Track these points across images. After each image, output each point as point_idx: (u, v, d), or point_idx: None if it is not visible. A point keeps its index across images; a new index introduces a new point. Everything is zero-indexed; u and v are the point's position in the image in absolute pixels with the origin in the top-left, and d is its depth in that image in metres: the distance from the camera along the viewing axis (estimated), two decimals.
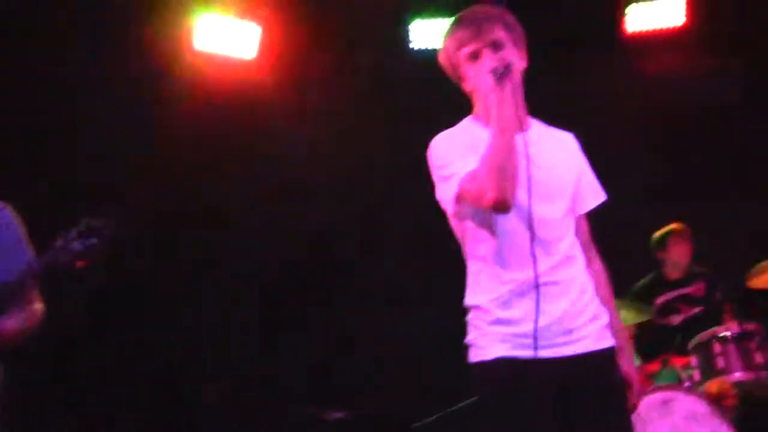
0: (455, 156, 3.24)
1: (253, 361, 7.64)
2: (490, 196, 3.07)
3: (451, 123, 3.37)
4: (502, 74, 3.12)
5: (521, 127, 3.19)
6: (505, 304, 3.19)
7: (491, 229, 3.23)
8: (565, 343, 3.17)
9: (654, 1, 7.61)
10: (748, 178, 7.63)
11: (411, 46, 7.78)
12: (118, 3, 6.99)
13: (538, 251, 3.16)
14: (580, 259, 3.30)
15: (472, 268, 3.32)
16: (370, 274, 7.73)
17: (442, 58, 3.41)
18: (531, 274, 3.14)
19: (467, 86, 3.35)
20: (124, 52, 7.03)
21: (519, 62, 3.29)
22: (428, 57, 7.62)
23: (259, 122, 7.56)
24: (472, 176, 3.15)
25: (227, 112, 7.41)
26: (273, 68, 7.55)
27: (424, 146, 3.29)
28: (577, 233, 3.35)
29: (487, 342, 3.21)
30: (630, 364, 3.38)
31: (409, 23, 7.75)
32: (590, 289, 3.29)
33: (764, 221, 7.30)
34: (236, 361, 7.67)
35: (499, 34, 3.27)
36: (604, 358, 3.25)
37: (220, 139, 7.48)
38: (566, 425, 3.14)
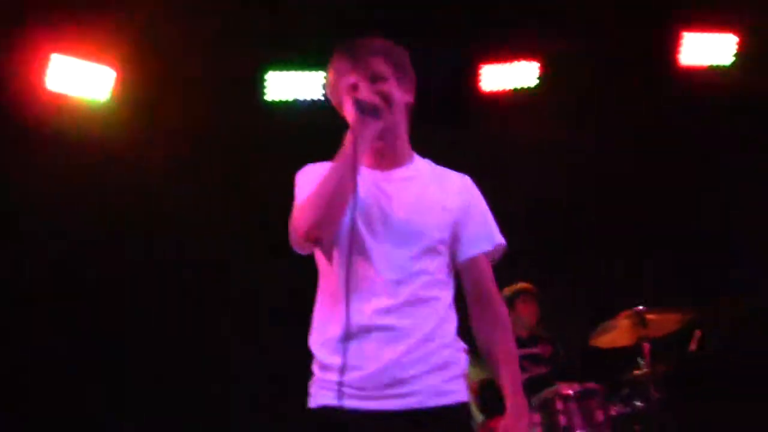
0: (305, 188, 3.09)
1: None
2: (301, 228, 2.96)
3: None
4: (365, 109, 2.99)
5: (393, 163, 3.12)
6: (333, 348, 2.97)
7: (331, 264, 3.05)
8: (395, 396, 2.92)
9: (508, 64, 7.80)
10: (592, 241, 7.86)
11: (266, 97, 7.77)
12: None
13: (376, 292, 2.95)
14: (439, 305, 3.03)
15: (317, 301, 3.15)
16: None
17: (326, 89, 3.28)
18: (362, 314, 2.92)
19: (347, 118, 3.12)
20: None
21: (401, 97, 3.15)
22: (284, 108, 7.80)
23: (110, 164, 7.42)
24: (298, 207, 3.06)
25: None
26: (126, 112, 7.44)
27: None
28: (467, 279, 3.15)
29: (315, 389, 3.04)
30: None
31: (264, 74, 7.74)
32: (443, 338, 3.01)
33: (607, 283, 7.53)
34: None
35: (380, 67, 3.13)
36: (442, 416, 2.95)
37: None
38: None
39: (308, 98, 7.73)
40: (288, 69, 7.72)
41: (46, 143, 7.17)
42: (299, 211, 2.99)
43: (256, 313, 7.77)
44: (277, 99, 7.78)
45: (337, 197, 2.92)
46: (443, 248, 3.09)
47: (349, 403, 2.91)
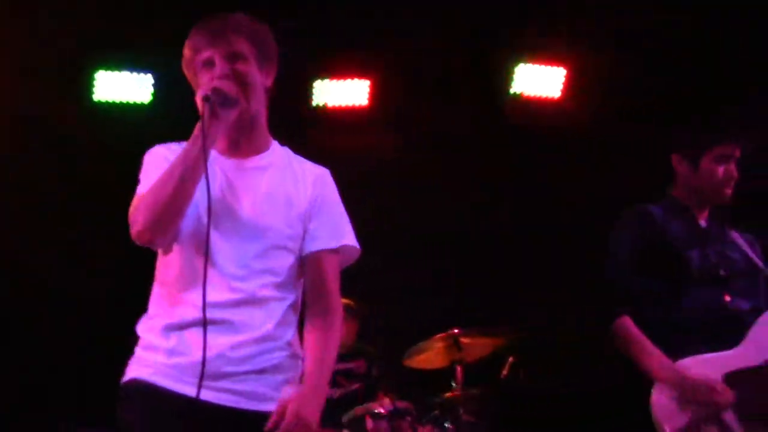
0: (150, 174, 2.92)
1: None
2: (133, 228, 2.82)
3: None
4: (213, 103, 2.81)
5: (248, 152, 3.00)
6: (161, 334, 2.87)
7: (172, 254, 2.93)
8: (214, 389, 2.78)
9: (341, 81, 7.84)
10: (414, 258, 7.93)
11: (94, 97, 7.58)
12: None
13: (216, 286, 2.81)
14: (279, 306, 2.92)
15: (153, 291, 3.02)
16: None
17: (183, 64, 3.06)
18: (195, 306, 2.78)
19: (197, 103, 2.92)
20: None
21: (261, 80, 3.00)
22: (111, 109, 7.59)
23: None
24: (135, 203, 2.89)
25: None
26: None
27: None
28: (307, 275, 3.02)
29: (133, 366, 2.91)
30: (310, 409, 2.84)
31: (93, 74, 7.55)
32: (278, 341, 2.90)
33: (427, 303, 7.60)
34: None
35: (241, 46, 2.95)
36: (257, 422, 2.79)
37: None
38: None
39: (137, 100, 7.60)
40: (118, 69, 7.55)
41: None
42: (134, 209, 2.84)
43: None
44: (105, 99, 7.61)
45: (175, 201, 2.79)
46: (293, 245, 2.97)
47: (164, 383, 2.82)
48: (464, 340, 6.01)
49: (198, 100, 2.84)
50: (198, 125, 2.80)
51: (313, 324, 2.99)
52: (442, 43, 7.39)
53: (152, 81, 7.57)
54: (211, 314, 2.77)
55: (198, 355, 2.74)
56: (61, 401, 7.44)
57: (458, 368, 6.02)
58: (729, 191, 4.29)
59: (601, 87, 7.59)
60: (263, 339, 2.86)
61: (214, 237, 2.84)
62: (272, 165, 3.05)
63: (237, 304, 2.83)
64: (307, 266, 3.01)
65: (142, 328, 2.95)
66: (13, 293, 7.43)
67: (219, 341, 2.79)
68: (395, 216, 7.84)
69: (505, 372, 6.18)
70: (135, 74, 7.57)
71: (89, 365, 7.18)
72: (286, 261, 2.95)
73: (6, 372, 7.24)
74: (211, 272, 2.81)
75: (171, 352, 2.83)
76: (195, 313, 2.79)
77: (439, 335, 6.04)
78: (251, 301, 2.86)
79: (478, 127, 7.80)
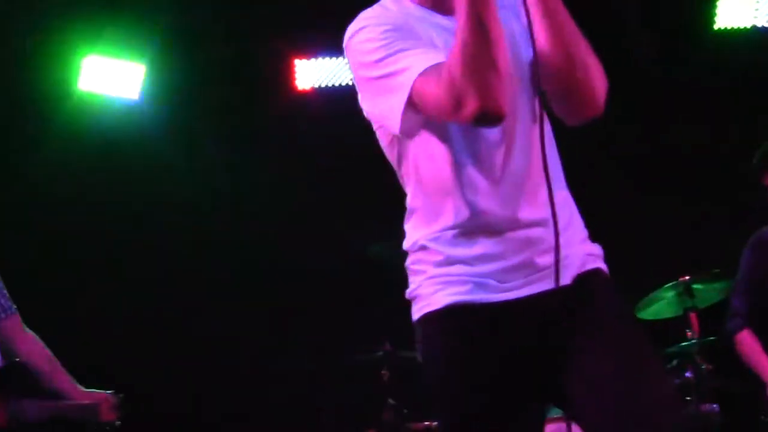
0: (400, 44, 2.41)
1: None
2: (472, 104, 2.25)
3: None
4: None
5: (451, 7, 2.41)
6: (466, 238, 2.50)
7: (458, 146, 2.49)
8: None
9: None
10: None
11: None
12: None
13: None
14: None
15: (416, 202, 2.61)
16: None
17: None
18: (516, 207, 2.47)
19: None
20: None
21: None
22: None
23: None
24: (438, 73, 2.31)
25: None
26: None
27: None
28: None
29: (432, 287, 2.54)
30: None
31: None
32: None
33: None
34: None
35: None
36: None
37: None
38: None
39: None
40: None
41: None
42: (455, 80, 2.25)
43: None
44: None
45: (502, 55, 2.29)
46: None
47: (493, 297, 2.48)
48: (696, 286, 5.92)
49: None
50: None
51: None
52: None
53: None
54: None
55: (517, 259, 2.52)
56: None
57: (692, 316, 5.94)
58: None
59: None
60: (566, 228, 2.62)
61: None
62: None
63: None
64: None
65: (424, 238, 2.60)
66: None
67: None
68: None
69: None
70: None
71: None
72: None
73: None
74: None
75: (482, 260, 2.53)
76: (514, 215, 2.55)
77: (669, 284, 5.97)
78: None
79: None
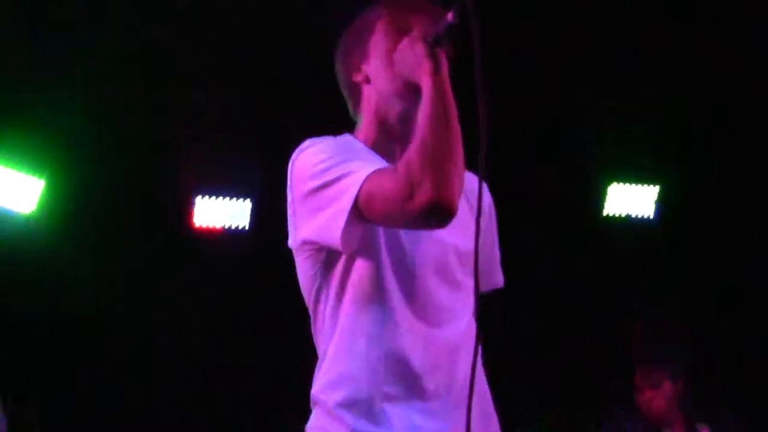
0: (349, 156, 2.34)
1: None
2: (425, 193, 2.15)
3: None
4: (440, 38, 2.28)
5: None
6: (389, 394, 2.33)
7: (396, 265, 2.36)
8: None
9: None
10: None
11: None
12: None
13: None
14: None
15: (338, 336, 2.40)
16: None
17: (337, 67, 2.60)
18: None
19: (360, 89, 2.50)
20: None
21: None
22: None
23: None
24: (391, 170, 2.25)
25: None
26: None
27: None
28: None
29: None
30: None
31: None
32: None
33: None
34: None
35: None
36: None
37: None
38: None
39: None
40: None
41: None
42: (412, 171, 2.17)
43: None
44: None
45: (457, 146, 2.23)
46: None
47: None
48: None
49: (417, 42, 2.32)
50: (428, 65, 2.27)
51: None
52: None
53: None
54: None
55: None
56: None
57: None
58: None
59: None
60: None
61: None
62: None
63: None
64: None
65: (338, 393, 2.40)
66: None
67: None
68: None
69: None
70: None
71: None
72: None
73: None
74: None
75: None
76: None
77: None
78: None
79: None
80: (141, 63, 6.46)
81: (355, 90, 2.52)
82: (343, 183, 2.27)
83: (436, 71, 2.23)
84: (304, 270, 2.47)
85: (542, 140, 7.26)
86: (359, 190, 2.23)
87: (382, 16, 2.48)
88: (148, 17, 6.09)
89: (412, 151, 2.20)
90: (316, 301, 2.45)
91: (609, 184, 7.60)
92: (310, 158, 2.36)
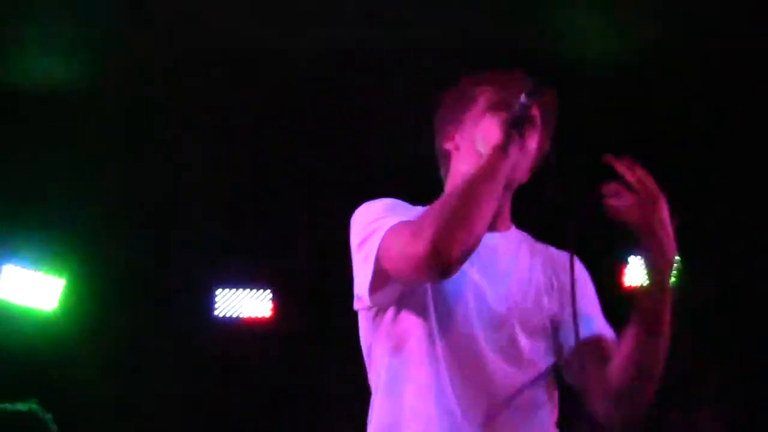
0: (395, 211, 2.36)
1: None
2: (423, 240, 2.16)
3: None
4: (517, 118, 2.31)
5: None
6: None
7: (441, 329, 2.36)
8: None
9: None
10: None
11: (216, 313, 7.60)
12: None
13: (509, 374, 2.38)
14: None
15: (385, 402, 2.40)
16: None
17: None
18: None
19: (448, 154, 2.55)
20: None
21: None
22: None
23: None
24: (405, 223, 2.26)
25: None
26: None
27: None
28: None
29: None
30: None
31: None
32: None
33: None
34: None
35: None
36: None
37: None
38: None
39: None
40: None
41: None
42: (418, 227, 2.20)
43: None
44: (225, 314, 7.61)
45: (481, 218, 2.22)
46: None
47: None
48: None
49: (497, 121, 2.35)
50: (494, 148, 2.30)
51: None
52: None
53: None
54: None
55: None
56: None
57: None
58: None
59: None
60: None
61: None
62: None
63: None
64: None
65: None
66: None
67: None
68: None
69: None
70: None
71: None
72: None
73: None
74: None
75: None
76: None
77: None
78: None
79: None
80: None
81: (445, 157, 2.57)
82: (368, 244, 2.30)
83: (501, 148, 2.27)
84: (361, 326, 2.52)
85: None
86: (380, 242, 2.26)
87: (485, 92, 2.51)
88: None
89: (433, 205, 2.25)
90: (368, 356, 2.49)
91: None
92: (358, 216, 2.41)
